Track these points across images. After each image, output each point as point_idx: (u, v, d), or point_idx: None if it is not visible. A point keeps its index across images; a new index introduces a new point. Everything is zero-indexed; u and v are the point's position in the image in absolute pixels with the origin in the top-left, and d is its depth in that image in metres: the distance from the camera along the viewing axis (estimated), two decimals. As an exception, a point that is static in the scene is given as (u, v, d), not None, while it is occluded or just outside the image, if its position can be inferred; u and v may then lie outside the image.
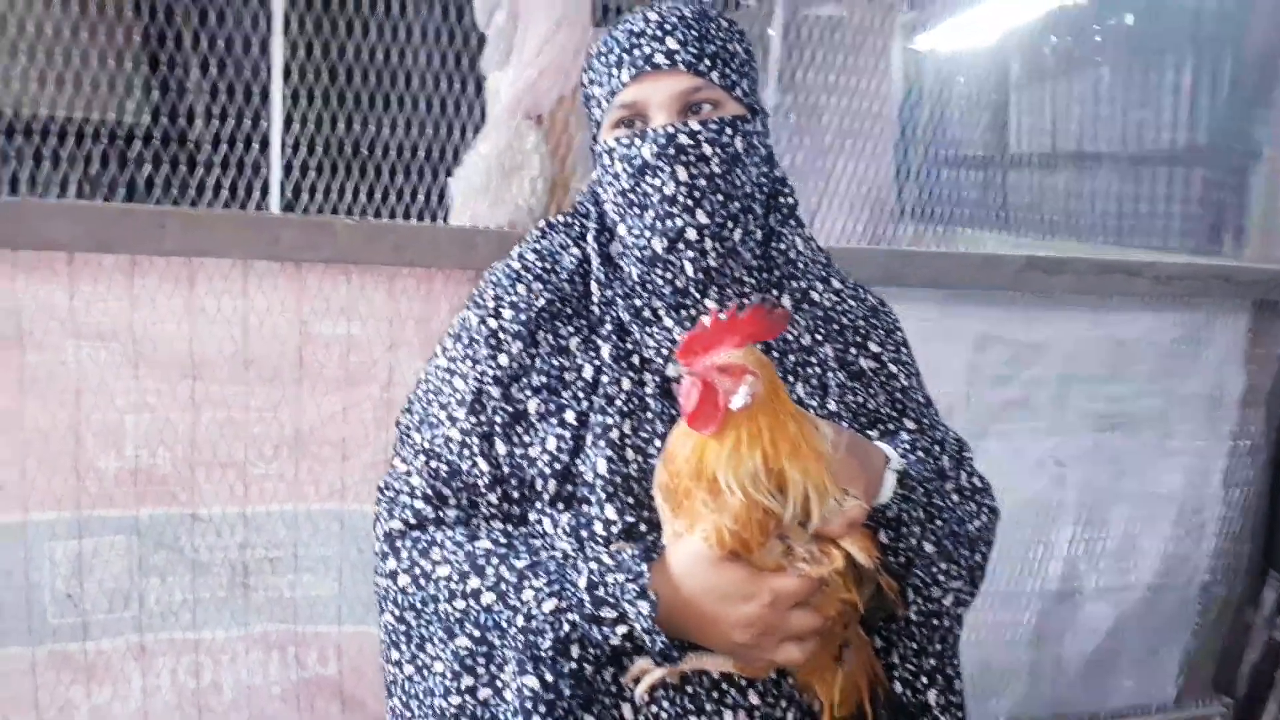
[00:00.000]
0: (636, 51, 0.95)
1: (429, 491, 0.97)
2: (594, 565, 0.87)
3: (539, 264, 1.03)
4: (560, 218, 1.08)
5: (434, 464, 0.97)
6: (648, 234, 0.96)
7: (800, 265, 1.03)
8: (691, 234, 0.95)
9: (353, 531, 1.70)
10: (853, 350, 1.04)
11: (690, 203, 0.94)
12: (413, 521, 0.97)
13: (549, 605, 0.86)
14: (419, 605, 0.92)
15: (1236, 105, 2.43)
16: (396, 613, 0.94)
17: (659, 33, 0.95)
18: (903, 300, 2.01)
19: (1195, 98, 2.67)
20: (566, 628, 0.86)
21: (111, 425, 1.57)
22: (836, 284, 1.07)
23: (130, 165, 1.62)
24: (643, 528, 0.92)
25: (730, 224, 0.96)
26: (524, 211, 1.72)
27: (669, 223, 0.95)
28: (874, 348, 1.05)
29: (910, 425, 1.04)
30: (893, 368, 1.06)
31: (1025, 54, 2.99)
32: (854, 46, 2.29)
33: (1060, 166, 3.09)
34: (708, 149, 0.94)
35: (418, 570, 0.93)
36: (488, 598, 0.88)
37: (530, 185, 1.69)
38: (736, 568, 0.84)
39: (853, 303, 1.07)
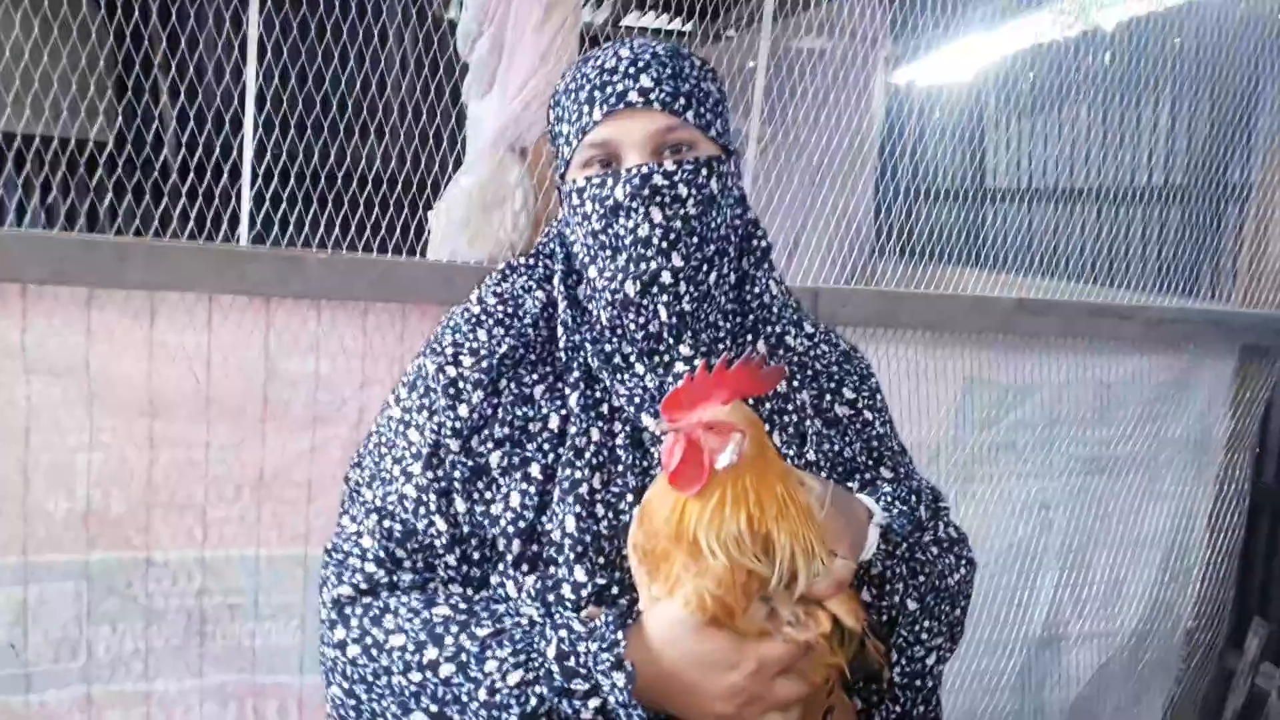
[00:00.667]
0: (609, 89, 0.91)
1: (381, 553, 0.91)
2: (564, 633, 0.82)
3: (500, 308, 0.98)
4: (522, 259, 1.03)
5: (387, 523, 0.91)
6: (620, 277, 0.92)
7: (774, 309, 1.00)
8: (666, 277, 0.91)
9: (317, 578, 1.63)
10: (828, 397, 1.01)
11: (665, 245, 0.91)
12: (363, 586, 0.90)
13: (514, 677, 0.81)
14: (370, 678, 0.86)
15: (1215, 144, 2.44)
16: (345, 685, 0.88)
17: (632, 69, 0.91)
18: (891, 342, 2.01)
19: (1173, 136, 2.69)
20: (534, 701, 0.81)
21: (62, 465, 1.50)
22: (809, 328, 1.04)
23: (90, 192, 1.56)
24: (614, 590, 0.87)
25: (705, 267, 0.93)
26: (505, 247, 1.67)
27: (643, 265, 0.91)
28: (849, 394, 1.02)
29: (887, 474, 1.01)
30: (868, 414, 1.03)
31: (1003, 90, 3.01)
32: (837, 80, 2.28)
33: (1037, 202, 3.10)
34: (683, 190, 0.91)
35: (369, 640, 0.87)
36: (446, 669, 0.83)
37: (512, 220, 1.64)
38: (719, 635, 0.79)
39: (825, 348, 1.04)
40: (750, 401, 0.94)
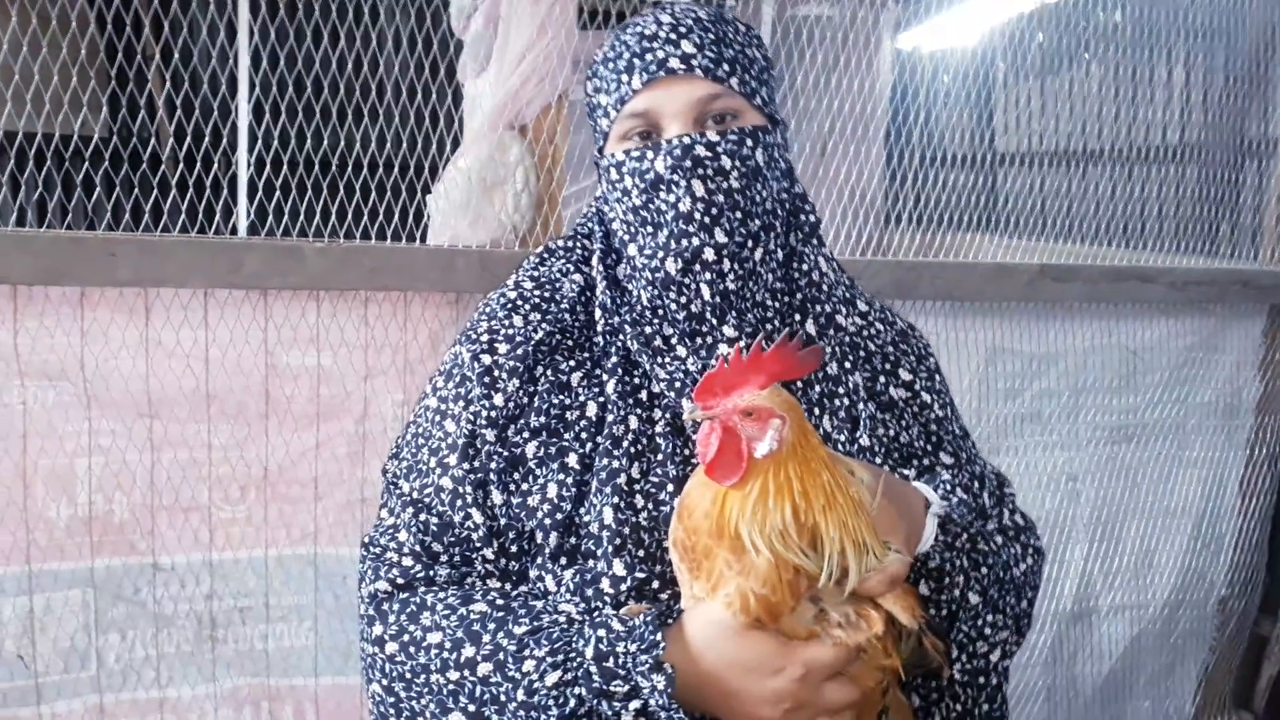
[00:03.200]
0: (649, 56, 0.87)
1: (418, 548, 0.89)
2: (602, 633, 0.79)
3: (537, 292, 0.95)
4: (561, 241, 1.00)
5: (423, 517, 0.89)
6: (660, 254, 0.88)
7: (824, 287, 0.95)
8: (709, 254, 0.88)
9: (327, 577, 1.60)
10: (882, 379, 0.96)
11: (708, 220, 0.87)
12: (400, 582, 0.89)
13: (552, 678, 0.79)
14: (409, 676, 0.84)
15: (1232, 99, 2.37)
16: (385, 683, 0.87)
17: (673, 35, 0.87)
18: (910, 313, 1.95)
19: (1188, 92, 2.61)
20: (573, 703, 0.78)
21: (62, 471, 1.46)
22: (863, 306, 1.00)
23: (79, 188, 1.50)
24: (655, 584, 0.84)
25: (750, 243, 0.89)
26: (507, 229, 1.61)
27: (684, 242, 0.87)
28: (905, 375, 0.98)
29: (947, 459, 0.97)
30: (926, 397, 0.98)
31: (1011, 51, 2.94)
32: (842, 46, 2.21)
33: (1051, 165, 3.03)
34: (727, 162, 0.87)
35: (406, 637, 0.85)
36: (484, 668, 0.81)
37: (514, 200, 1.58)
38: (764, 638, 0.76)
39: (880, 326, 1.00)
40: (799, 385, 0.90)
